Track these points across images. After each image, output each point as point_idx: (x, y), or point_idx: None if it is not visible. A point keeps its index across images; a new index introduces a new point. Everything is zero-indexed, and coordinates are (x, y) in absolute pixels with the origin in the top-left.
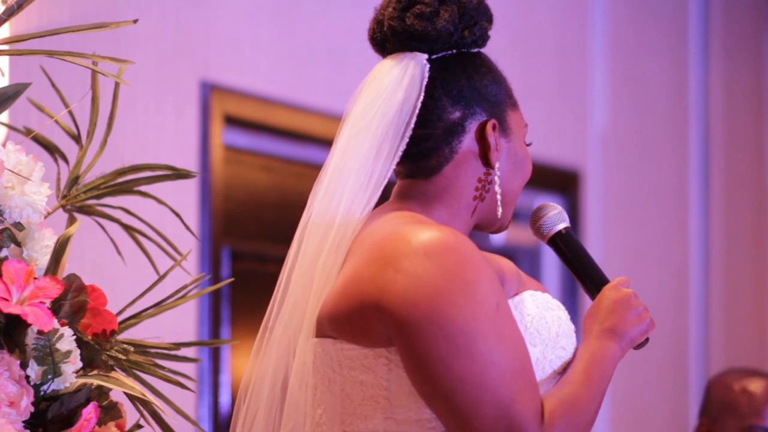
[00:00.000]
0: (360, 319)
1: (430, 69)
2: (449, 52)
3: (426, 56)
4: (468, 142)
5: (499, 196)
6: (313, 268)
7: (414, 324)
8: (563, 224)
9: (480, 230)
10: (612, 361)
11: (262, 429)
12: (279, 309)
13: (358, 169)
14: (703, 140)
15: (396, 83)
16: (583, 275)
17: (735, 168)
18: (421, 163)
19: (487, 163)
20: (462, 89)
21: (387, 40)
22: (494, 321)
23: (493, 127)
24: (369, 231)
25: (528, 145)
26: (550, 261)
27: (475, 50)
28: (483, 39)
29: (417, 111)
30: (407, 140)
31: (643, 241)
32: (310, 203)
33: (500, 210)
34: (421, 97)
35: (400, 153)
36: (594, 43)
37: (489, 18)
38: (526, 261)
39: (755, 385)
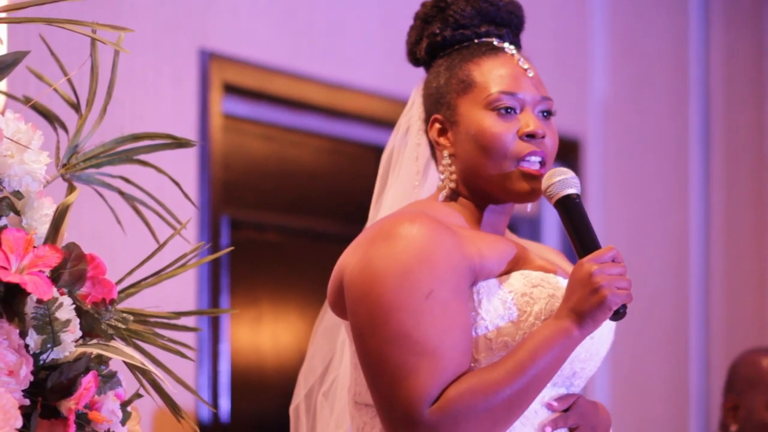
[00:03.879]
0: (340, 296)
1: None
2: (429, 67)
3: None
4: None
5: (452, 179)
6: None
7: (351, 300)
8: (571, 190)
9: (503, 202)
10: (567, 341)
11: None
12: None
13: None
14: (703, 109)
15: (412, 105)
16: (576, 243)
17: (735, 136)
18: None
19: (440, 155)
20: (423, 101)
21: None
22: (419, 306)
23: (437, 122)
24: None
25: (506, 108)
26: (550, 230)
27: (448, 52)
28: (437, 43)
29: (421, 130)
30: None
31: (644, 209)
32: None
33: (445, 193)
34: (419, 117)
35: (422, 167)
36: (594, 11)
37: (444, 19)
38: (526, 229)
39: None
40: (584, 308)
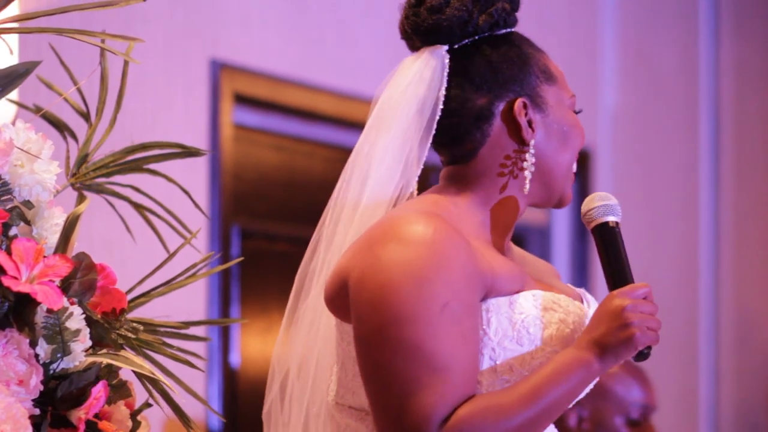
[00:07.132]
0: (341, 295)
1: (451, 60)
2: (470, 39)
3: (446, 48)
4: (498, 123)
5: (528, 173)
6: (340, 250)
7: (358, 303)
8: (612, 217)
9: (538, 207)
10: (585, 373)
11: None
12: (307, 288)
13: (387, 166)
14: (713, 118)
15: (417, 79)
16: (608, 273)
17: (745, 145)
18: (455, 150)
19: (521, 141)
20: (484, 75)
21: (411, 38)
22: (433, 319)
23: (524, 106)
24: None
25: (577, 113)
26: (560, 241)
27: (502, 32)
28: (505, 21)
29: (441, 103)
30: (434, 131)
31: (654, 219)
32: (339, 189)
33: (528, 186)
34: (443, 90)
35: (426, 147)
36: (604, 22)
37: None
38: (536, 240)
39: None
40: (609, 342)
